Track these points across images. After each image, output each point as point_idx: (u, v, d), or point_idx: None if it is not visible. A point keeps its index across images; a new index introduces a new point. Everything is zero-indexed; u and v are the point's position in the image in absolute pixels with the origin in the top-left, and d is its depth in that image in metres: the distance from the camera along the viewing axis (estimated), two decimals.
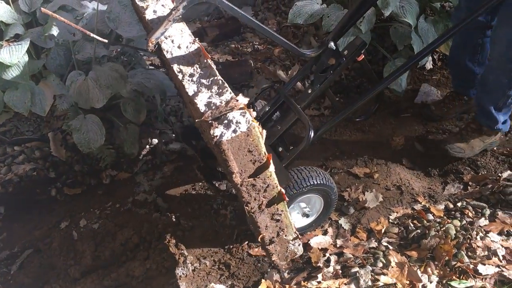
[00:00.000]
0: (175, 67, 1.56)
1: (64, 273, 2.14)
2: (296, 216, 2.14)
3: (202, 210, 2.39)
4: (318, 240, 2.19)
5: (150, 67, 3.00)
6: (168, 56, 1.59)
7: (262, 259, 2.13)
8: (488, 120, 2.49)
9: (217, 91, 1.45)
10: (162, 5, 1.74)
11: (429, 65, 3.21)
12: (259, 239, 1.72)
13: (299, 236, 1.81)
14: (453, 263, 1.97)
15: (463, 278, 1.91)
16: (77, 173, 2.58)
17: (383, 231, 2.21)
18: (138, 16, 2.02)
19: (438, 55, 3.28)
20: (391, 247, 2.11)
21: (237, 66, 3.05)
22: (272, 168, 1.49)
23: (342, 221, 2.28)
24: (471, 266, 1.94)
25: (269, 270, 2.08)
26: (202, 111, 1.40)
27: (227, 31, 3.40)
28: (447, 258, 1.99)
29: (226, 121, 1.36)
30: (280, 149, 2.08)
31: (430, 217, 2.25)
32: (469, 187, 2.42)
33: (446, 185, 2.46)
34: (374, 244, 2.14)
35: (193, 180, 2.55)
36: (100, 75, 2.27)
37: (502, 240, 2.08)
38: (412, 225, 2.21)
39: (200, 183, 2.51)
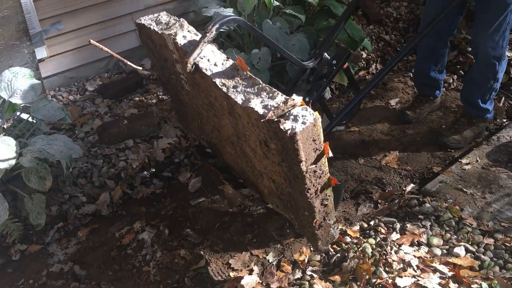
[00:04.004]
0: (217, 81, 1.70)
1: None
2: None
3: (123, 270, 2.31)
4: (246, 281, 2.19)
5: (52, 131, 2.90)
6: (208, 73, 1.73)
7: None
8: (476, 111, 2.88)
9: (268, 95, 1.59)
10: (188, 31, 1.91)
11: (328, 95, 3.39)
12: (314, 224, 1.80)
13: (338, 220, 1.96)
14: (373, 280, 2.05)
15: None
16: None
17: (306, 260, 2.26)
18: (153, 45, 2.13)
19: (335, 85, 3.49)
20: (315, 275, 2.16)
21: (144, 119, 3.04)
22: (329, 155, 1.64)
23: (270, 256, 2.31)
24: (390, 280, 2.03)
25: None
26: (261, 113, 1.53)
27: (129, 85, 3.39)
28: (367, 276, 2.07)
29: (292, 117, 1.51)
30: None
31: (348, 239, 2.34)
32: (379, 205, 2.55)
33: (358, 206, 2.58)
34: (298, 275, 2.18)
35: (111, 240, 2.47)
36: None
37: (414, 250, 2.21)
38: (332, 250, 2.28)
39: (119, 243, 2.44)
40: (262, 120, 1.54)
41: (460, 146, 2.88)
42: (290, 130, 1.48)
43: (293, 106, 1.53)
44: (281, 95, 1.58)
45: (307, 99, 2.40)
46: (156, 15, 2.04)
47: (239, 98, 1.63)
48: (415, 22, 4.04)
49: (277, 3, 3.07)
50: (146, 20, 2.04)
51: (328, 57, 2.37)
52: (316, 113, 1.53)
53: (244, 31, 3.19)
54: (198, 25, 3.07)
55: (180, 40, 1.88)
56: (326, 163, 1.67)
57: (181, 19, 1.97)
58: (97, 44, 1.84)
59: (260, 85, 1.65)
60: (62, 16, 3.22)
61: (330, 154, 1.64)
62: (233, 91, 1.66)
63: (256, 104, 1.57)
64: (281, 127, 1.49)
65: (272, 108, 1.53)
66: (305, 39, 3.00)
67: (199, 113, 2.19)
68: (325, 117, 3.13)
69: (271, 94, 1.60)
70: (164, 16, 2.01)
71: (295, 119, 1.50)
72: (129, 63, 1.99)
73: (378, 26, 3.98)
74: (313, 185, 1.68)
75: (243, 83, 1.68)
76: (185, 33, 1.90)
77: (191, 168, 2.86)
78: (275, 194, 2.01)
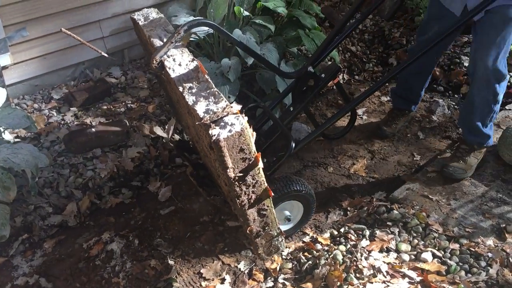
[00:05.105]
0: (177, 81, 1.78)
1: None
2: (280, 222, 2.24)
3: (92, 282, 2.26)
4: None
5: (17, 139, 2.82)
6: (170, 72, 1.81)
7: None
8: (477, 138, 2.73)
9: (214, 100, 1.67)
10: (165, 30, 2.02)
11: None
12: (247, 231, 1.88)
13: (283, 233, 2.02)
14: (345, 286, 2.08)
15: None
16: None
17: (278, 268, 2.27)
18: (144, 40, 2.26)
19: None
20: (287, 283, 2.17)
21: (112, 127, 2.99)
22: (260, 166, 1.69)
23: (242, 265, 2.30)
24: (361, 286, 2.06)
25: None
26: (201, 116, 1.61)
27: (97, 93, 3.33)
28: (338, 283, 2.10)
29: (222, 123, 1.58)
30: (265, 160, 2.27)
31: (319, 246, 2.37)
32: (348, 212, 2.59)
33: (328, 214, 2.61)
34: (270, 283, 2.18)
35: (78, 251, 2.41)
36: None
37: (384, 256, 2.26)
38: (303, 257, 2.30)
39: (86, 254, 2.38)
40: (197, 123, 1.61)
41: (467, 175, 2.71)
42: (215, 136, 1.54)
43: (228, 113, 1.59)
44: (224, 101, 1.65)
45: (291, 109, 2.43)
46: (146, 10, 2.18)
47: (191, 99, 1.70)
48: (380, 34, 4.15)
49: (247, 13, 3.10)
50: (138, 15, 2.17)
51: (313, 70, 2.40)
52: (246, 123, 1.58)
53: (214, 40, 3.20)
54: None
55: (154, 38, 1.95)
56: (261, 173, 1.72)
57: (164, 18, 2.07)
58: (68, 32, 1.86)
59: (211, 90, 1.71)
60: (27, 22, 3.14)
61: (261, 165, 1.69)
62: (188, 92, 1.73)
63: (201, 107, 1.65)
64: (209, 131, 1.56)
65: (211, 113, 1.60)
66: (275, 49, 3.04)
67: (178, 108, 2.23)
68: (305, 127, 3.18)
69: (216, 99, 1.67)
70: (153, 13, 2.14)
71: (224, 126, 1.57)
72: (101, 52, 2.03)
73: None
74: (244, 193, 1.73)
75: (198, 86, 1.75)
76: (159, 32, 1.98)
77: (161, 177, 2.84)
78: (229, 197, 2.05)
